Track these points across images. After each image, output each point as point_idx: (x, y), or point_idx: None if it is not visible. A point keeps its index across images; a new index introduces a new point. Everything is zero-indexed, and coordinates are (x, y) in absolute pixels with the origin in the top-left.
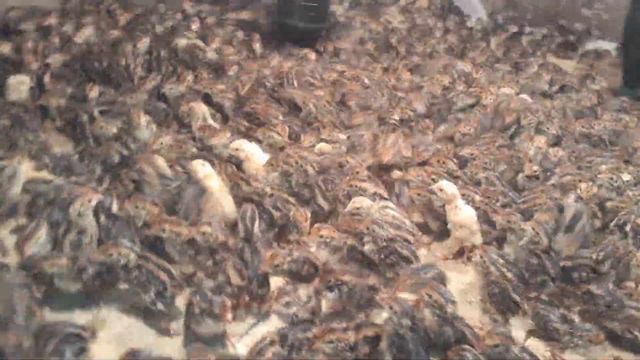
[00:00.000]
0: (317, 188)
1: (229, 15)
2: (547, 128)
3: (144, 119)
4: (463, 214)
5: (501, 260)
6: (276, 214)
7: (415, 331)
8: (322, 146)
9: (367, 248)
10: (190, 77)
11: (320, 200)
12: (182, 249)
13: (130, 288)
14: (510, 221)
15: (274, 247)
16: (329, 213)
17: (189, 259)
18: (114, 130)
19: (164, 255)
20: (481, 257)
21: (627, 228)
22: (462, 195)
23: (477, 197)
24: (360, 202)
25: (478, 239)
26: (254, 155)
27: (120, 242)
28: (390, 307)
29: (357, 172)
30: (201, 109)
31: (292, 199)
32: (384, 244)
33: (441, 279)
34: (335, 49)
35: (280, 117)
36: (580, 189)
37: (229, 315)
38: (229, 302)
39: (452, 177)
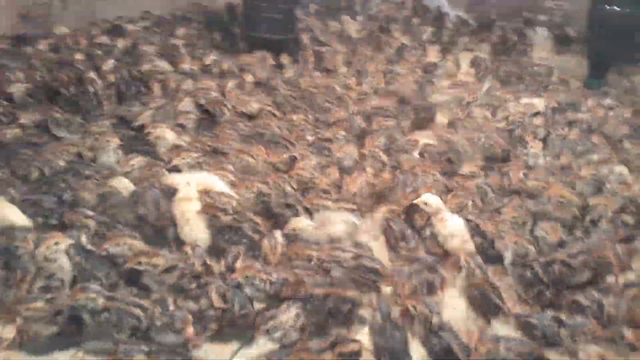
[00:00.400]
0: (299, 205)
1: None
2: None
3: (113, 143)
4: (451, 225)
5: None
6: (256, 236)
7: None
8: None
9: (335, 274)
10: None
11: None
12: (160, 278)
13: (103, 330)
14: (500, 230)
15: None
16: None
17: (167, 288)
18: (61, 163)
19: (142, 287)
20: (466, 261)
21: (602, 223)
22: (456, 203)
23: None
24: (297, 222)
25: (470, 246)
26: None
27: (88, 287)
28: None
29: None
30: (165, 131)
31: (259, 219)
32: (352, 263)
33: (431, 287)
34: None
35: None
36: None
37: (190, 330)
38: (190, 317)
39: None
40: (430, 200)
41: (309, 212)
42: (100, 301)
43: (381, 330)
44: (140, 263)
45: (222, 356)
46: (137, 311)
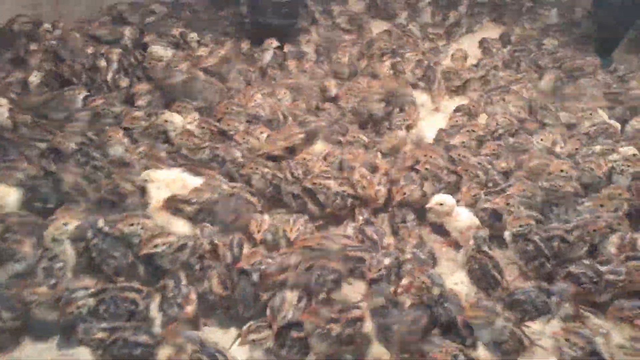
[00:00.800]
0: (306, 195)
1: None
2: None
3: (116, 137)
4: (464, 218)
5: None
6: (231, 217)
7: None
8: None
9: None
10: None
11: (311, 207)
12: (174, 257)
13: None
14: (509, 204)
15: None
16: (320, 217)
17: (180, 265)
18: (72, 145)
19: (158, 267)
20: (467, 236)
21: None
22: (472, 196)
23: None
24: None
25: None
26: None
27: (73, 298)
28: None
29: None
30: (174, 117)
31: (254, 199)
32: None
33: (432, 257)
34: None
35: (242, 127)
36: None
37: (189, 308)
38: (193, 296)
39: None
40: (445, 200)
41: (312, 194)
42: (91, 300)
43: (381, 310)
44: (156, 246)
45: (224, 339)
46: (132, 295)
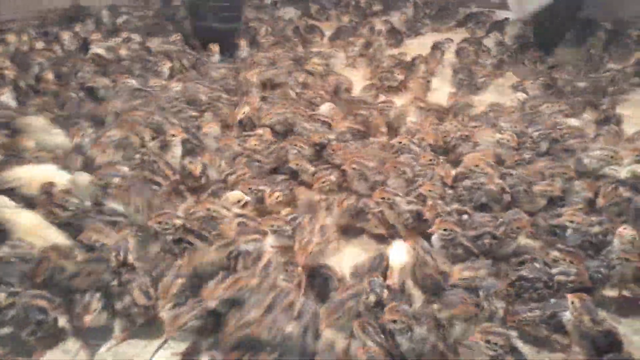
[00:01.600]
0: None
1: None
2: None
3: (31, 142)
4: (401, 258)
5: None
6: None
7: None
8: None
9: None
10: None
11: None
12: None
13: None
14: (440, 211)
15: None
16: None
17: (92, 283)
18: None
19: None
20: (414, 248)
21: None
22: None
23: (398, 199)
24: None
25: None
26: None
27: None
28: None
29: None
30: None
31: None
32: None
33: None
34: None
35: None
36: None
37: (87, 318)
38: (93, 306)
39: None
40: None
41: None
42: (2, 296)
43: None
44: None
45: (145, 353)
46: (44, 303)
